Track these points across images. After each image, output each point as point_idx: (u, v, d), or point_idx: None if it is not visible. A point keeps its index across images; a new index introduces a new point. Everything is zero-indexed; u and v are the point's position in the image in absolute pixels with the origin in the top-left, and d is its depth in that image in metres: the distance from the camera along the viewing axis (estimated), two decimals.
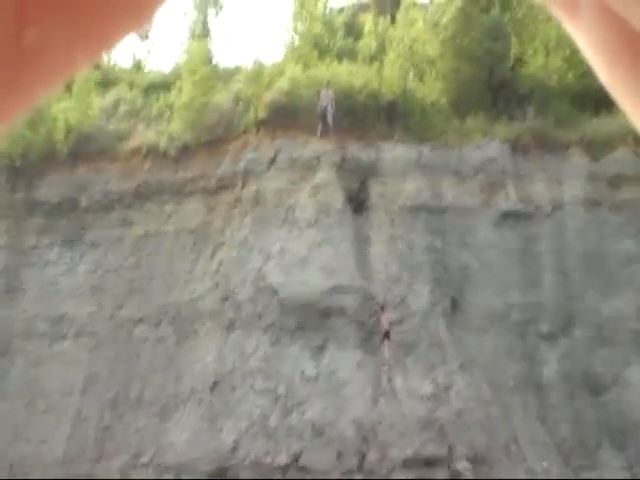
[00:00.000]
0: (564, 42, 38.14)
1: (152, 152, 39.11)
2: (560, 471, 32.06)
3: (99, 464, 34.94)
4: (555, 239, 35.78)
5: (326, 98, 36.63)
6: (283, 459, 31.17)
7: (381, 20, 42.99)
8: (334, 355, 32.91)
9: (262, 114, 37.33)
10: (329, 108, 36.58)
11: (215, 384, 33.57)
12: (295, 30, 42.95)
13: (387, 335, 32.95)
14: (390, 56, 40.18)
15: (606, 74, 0.53)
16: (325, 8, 44.44)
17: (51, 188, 39.88)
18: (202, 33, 44.01)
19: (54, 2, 0.49)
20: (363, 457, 31.03)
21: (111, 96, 42.65)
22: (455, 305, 34.66)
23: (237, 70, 42.55)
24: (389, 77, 38.84)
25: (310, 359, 32.91)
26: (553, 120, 37.55)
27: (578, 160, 36.68)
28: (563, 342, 34.46)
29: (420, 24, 41.42)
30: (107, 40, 0.51)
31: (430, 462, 30.93)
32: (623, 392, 33.70)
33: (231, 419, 32.45)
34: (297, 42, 42.55)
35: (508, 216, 35.87)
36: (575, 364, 34.11)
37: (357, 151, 36.69)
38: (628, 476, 32.43)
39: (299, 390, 32.31)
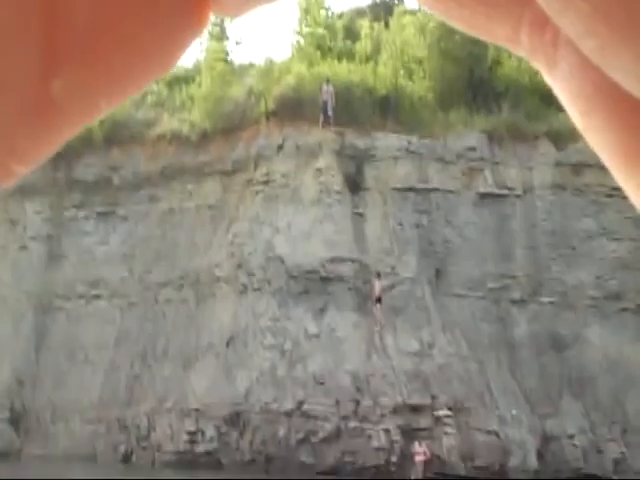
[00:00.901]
0: None
1: (176, 138, 39.21)
2: (527, 418, 32.45)
3: (129, 408, 35.33)
4: (526, 218, 35.91)
5: (327, 93, 36.42)
6: (289, 405, 31.47)
7: (376, 25, 42.88)
8: (333, 316, 33.15)
9: (272, 106, 37.34)
10: (329, 102, 36.39)
11: (230, 340, 33.82)
12: (301, 33, 42.62)
13: (379, 300, 33.07)
14: (383, 57, 40.16)
15: (581, 122, 0.52)
16: (327, 14, 43.95)
17: (88, 168, 40.13)
18: (219, 34, 43.65)
19: (79, 55, 0.48)
20: (358, 404, 31.31)
21: None
22: (439, 274, 34.81)
23: (250, 67, 42.47)
24: (383, 75, 38.77)
25: (313, 319, 33.14)
26: (525, 114, 37.54)
27: (546, 149, 36.78)
28: (532, 307, 34.73)
29: (410, 29, 41.20)
30: (130, 88, 0.51)
31: (416, 409, 31.29)
32: (582, 350, 34.08)
33: (244, 370, 32.69)
34: (302, 43, 42.23)
35: (485, 197, 35.96)
36: (542, 326, 34.41)
37: (354, 139, 36.54)
38: (585, 421, 32.91)
39: (303, 346, 32.59)
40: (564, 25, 0.46)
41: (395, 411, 31.11)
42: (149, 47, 0.49)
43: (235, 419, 32.12)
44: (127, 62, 0.49)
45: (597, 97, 0.49)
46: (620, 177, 0.50)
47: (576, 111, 0.50)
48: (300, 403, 31.45)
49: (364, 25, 43.04)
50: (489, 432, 31.56)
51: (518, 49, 0.51)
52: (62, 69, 0.47)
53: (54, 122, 0.48)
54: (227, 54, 42.24)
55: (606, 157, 0.50)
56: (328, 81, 36.74)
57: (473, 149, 36.55)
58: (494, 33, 0.49)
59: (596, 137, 0.50)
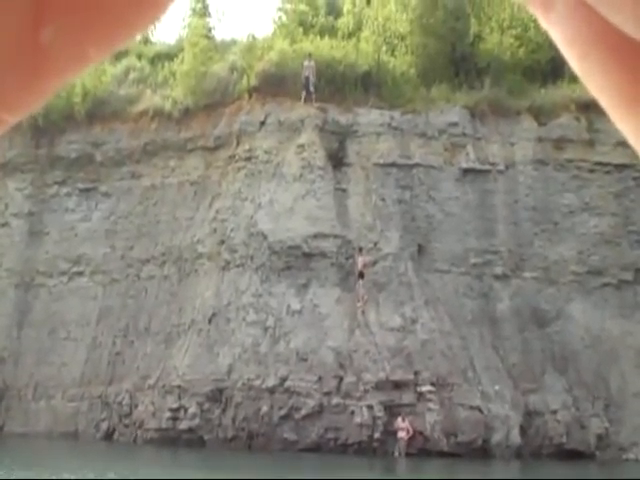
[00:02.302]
0: (517, 22, 37.25)
1: (158, 114, 38.07)
2: (510, 393, 31.30)
3: (111, 385, 34.55)
4: (508, 193, 34.74)
5: (309, 68, 35.27)
6: (271, 382, 30.39)
7: (358, 1, 41.55)
8: (316, 292, 32.05)
9: (254, 82, 36.15)
10: (311, 77, 35.27)
11: (213, 316, 32.79)
12: (283, 9, 41.34)
13: (362, 275, 31.97)
14: (365, 32, 38.99)
15: (578, 67, 0.50)
16: None
17: (70, 145, 39.01)
18: (202, 11, 42.24)
19: (68, 2, 0.47)
20: (341, 380, 30.22)
21: (122, 64, 41.22)
22: (421, 250, 33.65)
23: (232, 43, 41.19)
24: (365, 51, 37.51)
25: (295, 295, 32.03)
26: (506, 90, 36.33)
27: (528, 125, 35.55)
28: (514, 282, 33.62)
29: (392, 5, 40.02)
30: (118, 38, 0.48)
31: (398, 385, 30.17)
32: (565, 325, 33.06)
33: (226, 346, 31.72)
34: (285, 19, 40.97)
35: (468, 173, 34.75)
36: (524, 301, 33.38)
37: (336, 115, 35.39)
38: (568, 397, 31.85)
39: (285, 322, 31.51)
40: None
41: (378, 387, 29.91)
42: None
43: (217, 396, 30.99)
44: (117, 9, 0.48)
45: (594, 40, 0.48)
46: (618, 119, 0.50)
47: (573, 55, 0.50)
48: (283, 379, 30.33)
49: (346, 1, 41.83)
50: (472, 408, 30.29)
51: None
52: (51, 16, 0.47)
53: (43, 70, 0.47)
54: (209, 30, 40.69)
55: (604, 100, 0.50)
56: (310, 57, 35.50)
57: (455, 124, 35.29)
58: None
59: (594, 80, 0.50)
